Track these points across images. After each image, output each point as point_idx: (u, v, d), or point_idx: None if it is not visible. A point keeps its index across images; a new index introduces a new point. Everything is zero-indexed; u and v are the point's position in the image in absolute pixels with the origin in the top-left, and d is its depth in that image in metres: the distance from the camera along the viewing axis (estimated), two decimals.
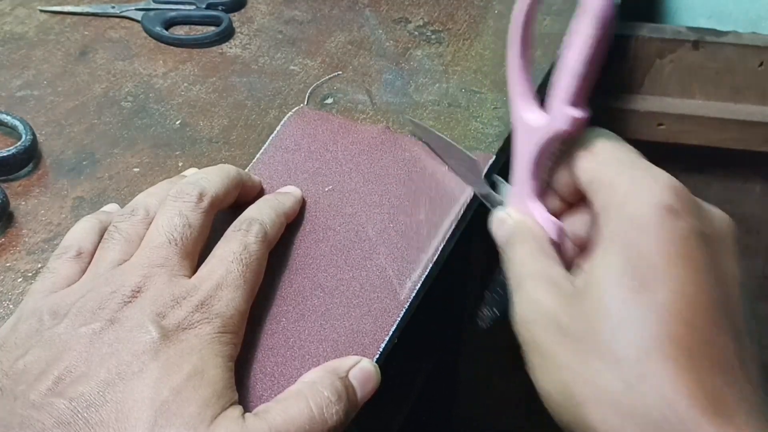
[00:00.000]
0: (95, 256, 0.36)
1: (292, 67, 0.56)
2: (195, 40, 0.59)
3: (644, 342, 0.26)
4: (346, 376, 0.34)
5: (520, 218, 0.34)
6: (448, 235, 0.41)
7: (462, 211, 0.42)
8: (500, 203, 0.37)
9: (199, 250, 0.36)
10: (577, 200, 0.33)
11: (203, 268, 0.35)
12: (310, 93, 0.53)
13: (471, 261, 1.03)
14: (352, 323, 0.37)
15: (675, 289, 0.26)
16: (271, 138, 0.47)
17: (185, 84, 0.54)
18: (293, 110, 0.49)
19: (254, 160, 0.46)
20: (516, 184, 0.34)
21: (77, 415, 0.28)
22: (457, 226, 0.42)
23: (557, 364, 0.28)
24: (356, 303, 0.38)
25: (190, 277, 0.35)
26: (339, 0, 0.64)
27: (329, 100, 0.52)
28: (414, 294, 0.39)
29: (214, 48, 0.58)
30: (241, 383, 0.34)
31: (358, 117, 0.51)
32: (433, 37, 0.60)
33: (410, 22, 0.62)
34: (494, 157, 0.44)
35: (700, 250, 0.27)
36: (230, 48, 0.59)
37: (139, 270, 0.34)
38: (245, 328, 0.35)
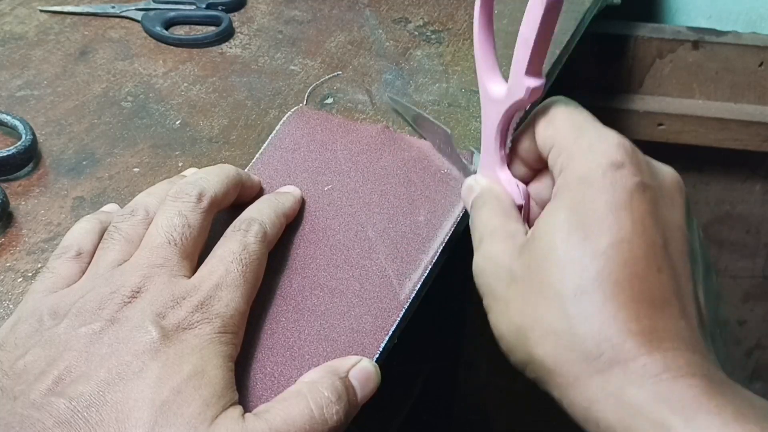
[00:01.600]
0: (95, 256, 0.36)
1: (292, 67, 0.56)
2: (195, 40, 0.59)
3: (584, 282, 0.28)
4: (347, 376, 0.34)
5: (486, 184, 0.36)
6: (447, 237, 0.41)
7: (462, 213, 0.42)
8: (474, 173, 0.39)
9: (198, 250, 0.36)
10: (542, 166, 0.35)
11: (203, 268, 0.35)
12: (310, 93, 0.53)
13: (470, 261, 1.02)
14: (351, 323, 0.37)
15: (615, 234, 0.28)
16: (270, 138, 0.47)
17: (185, 84, 0.54)
18: (293, 110, 0.49)
19: (254, 160, 0.46)
20: (484, 152, 0.37)
21: (77, 415, 0.28)
22: (457, 228, 0.42)
23: (509, 307, 0.31)
24: (356, 303, 0.38)
25: (189, 277, 0.35)
26: (339, 0, 0.64)
27: (329, 100, 0.52)
28: (414, 294, 0.39)
29: (214, 48, 0.58)
30: (241, 383, 0.34)
31: (358, 117, 0.51)
32: (433, 37, 0.60)
33: (410, 22, 0.62)
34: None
35: (642, 200, 0.29)
36: (230, 48, 0.59)
37: (138, 270, 0.34)
38: (245, 327, 0.35)
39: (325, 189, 0.43)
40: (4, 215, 0.43)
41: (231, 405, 0.31)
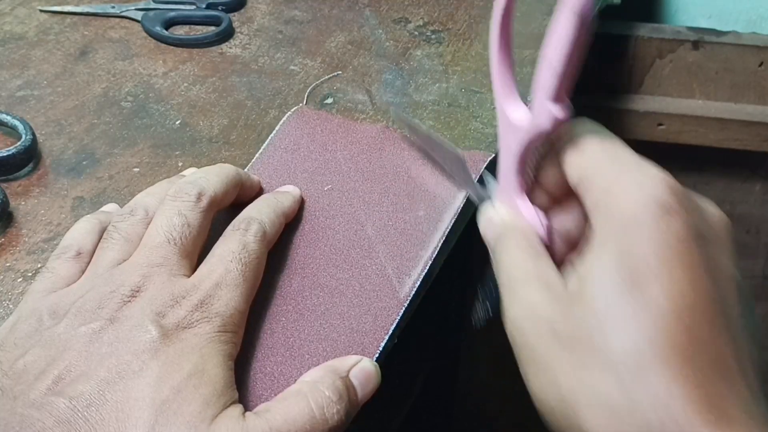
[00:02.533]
0: (95, 255, 0.36)
1: (292, 67, 0.56)
2: (195, 40, 0.59)
3: (639, 345, 0.25)
4: (347, 375, 0.34)
5: (508, 216, 0.33)
6: (447, 233, 0.41)
7: (460, 209, 0.42)
8: (488, 199, 0.36)
9: (198, 249, 0.36)
10: (564, 196, 0.32)
11: (202, 268, 0.35)
12: (309, 93, 0.53)
13: (471, 261, 1.03)
14: (351, 322, 0.37)
15: (670, 289, 0.25)
16: (270, 138, 0.47)
17: (185, 84, 0.54)
18: (292, 110, 0.49)
19: (253, 160, 0.46)
20: (502, 180, 0.34)
21: (77, 414, 0.28)
22: (456, 224, 0.42)
23: (551, 370, 0.27)
24: (356, 302, 0.38)
25: (189, 276, 0.35)
26: (339, 0, 0.64)
27: (329, 100, 0.52)
28: (414, 292, 0.39)
29: (214, 48, 0.58)
30: (241, 383, 0.34)
31: (358, 117, 0.51)
32: (433, 37, 0.60)
33: (410, 22, 0.62)
34: (492, 155, 0.44)
35: (696, 249, 0.26)
36: (230, 48, 0.59)
37: (138, 269, 0.34)
38: (245, 327, 0.35)
39: (325, 189, 0.43)
40: (4, 215, 0.43)
41: (231, 404, 0.31)
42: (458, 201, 0.42)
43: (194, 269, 0.35)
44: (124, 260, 0.35)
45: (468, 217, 0.45)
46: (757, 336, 0.28)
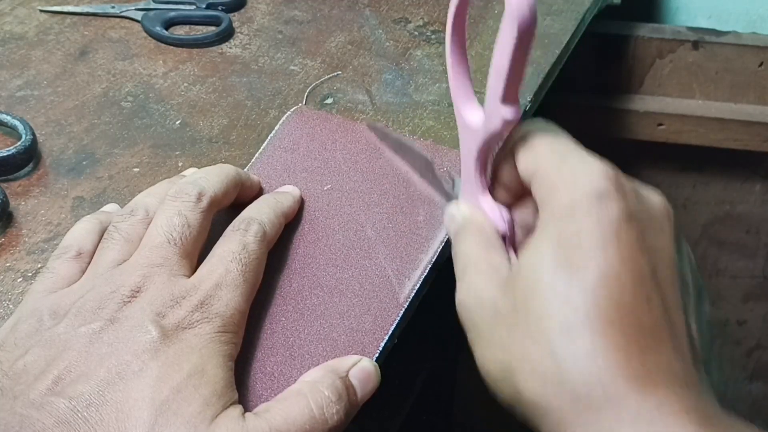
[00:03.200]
0: (95, 256, 0.36)
1: (292, 67, 0.56)
2: (195, 40, 0.59)
3: (572, 319, 0.27)
4: (347, 375, 0.34)
5: (468, 212, 0.35)
6: (447, 236, 0.41)
7: None
8: (456, 198, 0.38)
9: (198, 249, 0.36)
10: (523, 191, 0.33)
11: (203, 268, 0.35)
12: (309, 93, 0.53)
13: None
14: (351, 322, 0.37)
15: (602, 268, 0.27)
16: (269, 138, 0.47)
17: (185, 84, 0.54)
18: (292, 110, 0.49)
19: (253, 160, 0.46)
20: (465, 179, 0.35)
21: (77, 415, 0.28)
22: None
23: (495, 344, 0.30)
24: (356, 302, 0.38)
25: (189, 276, 0.35)
26: (339, 0, 0.64)
27: (329, 100, 0.52)
28: (413, 294, 0.39)
29: (214, 48, 0.58)
30: (241, 383, 0.34)
31: (358, 117, 0.51)
32: (433, 37, 0.60)
33: (410, 22, 0.62)
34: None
35: (629, 230, 0.28)
36: (230, 48, 0.59)
37: (138, 270, 0.34)
38: (245, 327, 0.35)
39: (325, 189, 0.43)
40: (4, 215, 0.43)
41: (231, 404, 0.31)
42: None
43: (194, 269, 0.35)
44: (125, 260, 0.35)
45: None
46: (706, 316, 0.31)
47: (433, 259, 0.40)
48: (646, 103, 0.85)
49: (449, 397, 1.15)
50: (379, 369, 0.35)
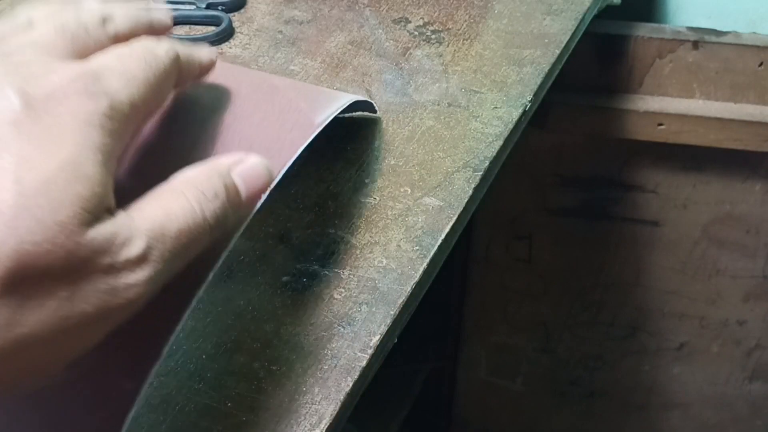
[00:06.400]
0: None
1: (292, 67, 0.56)
2: (195, 40, 0.59)
3: None
4: (228, 170, 0.30)
5: None
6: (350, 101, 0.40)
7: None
8: None
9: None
10: None
11: (93, 56, 0.28)
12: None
13: (469, 262, 1.03)
14: (269, 131, 0.35)
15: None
16: None
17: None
18: None
19: None
20: None
21: None
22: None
23: None
24: (268, 120, 0.36)
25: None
26: (339, 0, 0.64)
27: None
28: (328, 120, 0.38)
29: (214, 48, 0.58)
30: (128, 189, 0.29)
31: (357, 117, 0.51)
32: (433, 37, 0.60)
33: (410, 22, 0.62)
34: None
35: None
36: (230, 48, 0.59)
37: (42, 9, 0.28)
38: (138, 141, 0.29)
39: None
40: None
41: (109, 209, 0.26)
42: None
43: None
44: None
45: (465, 223, 0.45)
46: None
47: (344, 106, 0.40)
48: (646, 103, 0.85)
49: (449, 397, 1.15)
50: (270, 167, 0.31)
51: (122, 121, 0.27)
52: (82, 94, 0.26)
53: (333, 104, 0.39)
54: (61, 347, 0.26)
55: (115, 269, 0.25)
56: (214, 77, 0.36)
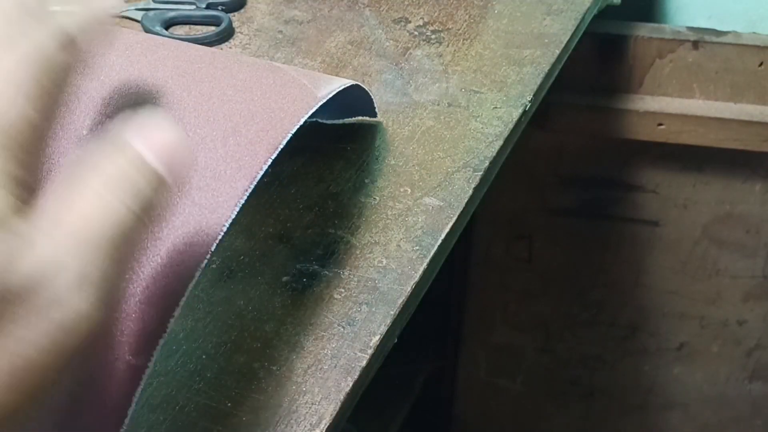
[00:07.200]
0: None
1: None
2: (195, 40, 0.59)
3: None
4: (131, 147, 0.24)
5: None
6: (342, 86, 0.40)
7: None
8: None
9: None
10: None
11: None
12: None
13: (468, 262, 1.03)
14: (269, 102, 0.35)
15: None
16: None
17: None
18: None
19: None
20: None
21: None
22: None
23: None
24: (271, 89, 0.36)
25: None
26: (339, 0, 0.64)
27: None
28: (329, 96, 0.38)
29: (214, 48, 0.58)
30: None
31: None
32: (433, 37, 0.60)
33: (410, 22, 0.62)
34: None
35: None
36: (230, 48, 0.59)
37: None
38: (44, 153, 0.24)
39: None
40: None
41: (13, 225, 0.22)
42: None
43: None
44: None
45: (465, 223, 0.45)
46: None
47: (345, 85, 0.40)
48: (646, 103, 0.85)
49: (449, 397, 1.15)
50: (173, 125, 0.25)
51: (13, 139, 0.22)
52: None
53: (334, 83, 0.39)
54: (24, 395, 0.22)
55: (53, 303, 0.22)
56: (215, 58, 0.36)
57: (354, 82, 0.42)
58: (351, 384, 0.37)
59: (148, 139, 0.24)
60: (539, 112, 0.55)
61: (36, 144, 0.23)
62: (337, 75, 0.55)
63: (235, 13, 0.63)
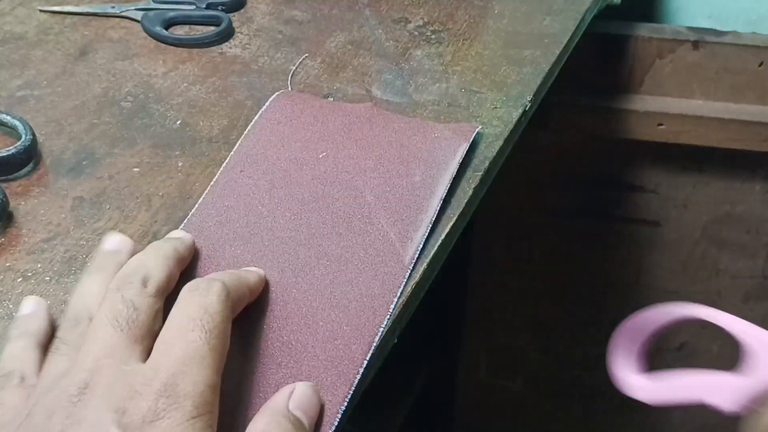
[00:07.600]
0: (42, 371, 0.32)
1: (291, 67, 0.56)
2: (195, 40, 0.59)
3: None
4: (288, 410, 0.32)
5: None
6: (444, 195, 0.42)
7: (456, 170, 0.43)
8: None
9: (152, 335, 0.32)
10: None
11: (158, 344, 0.31)
12: (291, 78, 0.53)
13: (468, 262, 1.03)
14: (360, 288, 0.38)
15: None
16: (258, 114, 0.48)
17: (185, 84, 0.54)
18: (276, 93, 0.49)
19: (245, 132, 0.46)
20: None
21: None
22: (452, 187, 0.43)
23: None
24: (362, 268, 0.39)
25: (145, 361, 0.30)
26: (339, 0, 0.64)
27: (329, 100, 0.52)
28: (417, 255, 0.40)
29: (214, 48, 0.58)
30: (260, 351, 0.35)
31: None
32: (433, 37, 0.60)
33: (410, 22, 0.62)
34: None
35: None
36: (230, 48, 0.59)
37: (82, 366, 0.29)
38: (218, 403, 0.31)
39: (320, 157, 0.44)
40: (4, 215, 0.43)
41: None
42: (453, 164, 0.44)
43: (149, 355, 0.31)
44: None
45: (466, 221, 0.45)
46: None
47: (433, 219, 0.41)
48: (646, 103, 0.85)
49: (449, 397, 1.15)
50: (315, 387, 0.34)
51: (207, 409, 0.29)
52: (170, 408, 0.28)
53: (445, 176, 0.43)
54: None
55: None
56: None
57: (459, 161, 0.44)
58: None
59: (299, 403, 0.32)
60: (539, 112, 0.55)
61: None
62: (337, 75, 0.55)
63: (235, 13, 0.63)
